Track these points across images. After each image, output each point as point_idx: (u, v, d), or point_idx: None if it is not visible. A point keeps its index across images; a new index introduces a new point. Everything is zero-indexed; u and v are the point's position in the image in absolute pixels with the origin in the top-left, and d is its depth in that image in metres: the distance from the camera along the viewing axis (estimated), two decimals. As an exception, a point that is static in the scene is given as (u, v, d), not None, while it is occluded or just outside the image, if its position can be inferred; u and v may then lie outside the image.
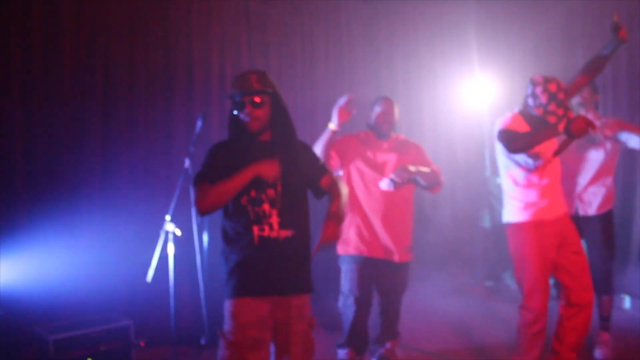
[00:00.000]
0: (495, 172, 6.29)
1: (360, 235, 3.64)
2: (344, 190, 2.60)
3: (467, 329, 4.84)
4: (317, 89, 5.87)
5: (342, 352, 3.74)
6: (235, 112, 2.47)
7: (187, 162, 3.68)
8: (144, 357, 4.06)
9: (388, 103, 3.76)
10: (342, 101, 3.46)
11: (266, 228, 2.40)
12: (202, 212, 2.38)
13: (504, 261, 6.26)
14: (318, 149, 3.49)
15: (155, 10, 4.78)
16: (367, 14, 6.30)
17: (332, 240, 2.42)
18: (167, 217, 3.60)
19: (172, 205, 3.59)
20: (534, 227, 3.39)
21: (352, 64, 6.20)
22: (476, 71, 6.30)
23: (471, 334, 4.68)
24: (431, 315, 5.30)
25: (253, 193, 2.41)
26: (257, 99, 2.42)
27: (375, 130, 3.75)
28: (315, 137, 3.69)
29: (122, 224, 4.43)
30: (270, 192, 2.43)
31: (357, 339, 3.68)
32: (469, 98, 6.43)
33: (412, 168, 3.52)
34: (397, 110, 3.80)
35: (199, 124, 3.67)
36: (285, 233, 2.42)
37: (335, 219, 2.45)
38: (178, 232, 3.62)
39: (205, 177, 2.40)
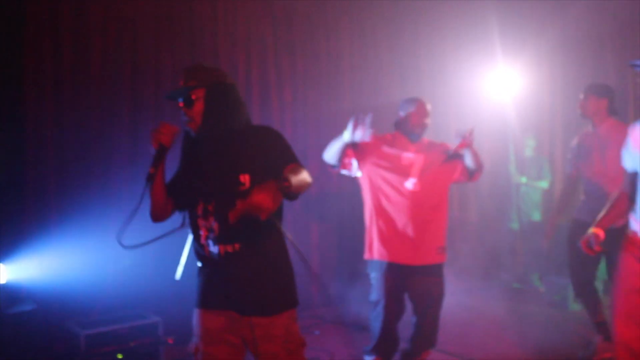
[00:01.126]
0: (521, 171, 6.24)
1: (385, 240, 3.42)
2: (306, 177, 2.11)
3: (493, 331, 4.79)
4: (343, 87, 5.87)
5: (369, 359, 3.57)
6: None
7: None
8: (172, 354, 4.09)
9: (422, 104, 3.52)
10: (356, 124, 3.20)
11: (210, 242, 2.21)
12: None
13: (532, 263, 6.20)
14: (333, 147, 3.33)
15: (181, 9, 4.84)
16: (392, 11, 6.28)
17: (253, 209, 1.88)
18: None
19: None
20: None
21: (377, 63, 6.18)
22: (501, 66, 6.21)
23: (498, 337, 4.64)
24: (457, 317, 5.25)
25: (201, 206, 2.23)
26: (186, 96, 2.19)
27: (406, 132, 3.53)
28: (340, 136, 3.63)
29: (151, 222, 4.47)
30: (210, 205, 2.20)
31: (385, 346, 3.49)
32: (494, 93, 6.36)
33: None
34: (429, 112, 3.59)
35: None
36: (226, 248, 2.18)
37: (269, 187, 1.90)
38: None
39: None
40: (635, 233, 2.63)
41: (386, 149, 3.50)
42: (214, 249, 2.20)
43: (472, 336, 4.66)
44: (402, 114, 3.57)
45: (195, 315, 2.27)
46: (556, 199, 6.18)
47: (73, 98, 4.33)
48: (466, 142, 3.33)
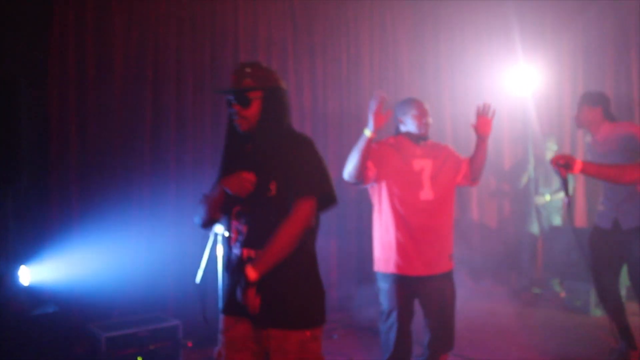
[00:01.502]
0: (544, 181, 6.17)
1: (398, 252, 3.32)
2: (294, 229, 2.07)
3: (513, 336, 4.74)
4: (363, 89, 5.86)
5: None
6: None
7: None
8: (191, 357, 4.11)
9: (421, 104, 3.41)
10: (374, 104, 3.06)
11: (238, 244, 2.19)
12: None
13: (552, 268, 6.13)
14: (353, 158, 3.20)
15: (202, 12, 4.86)
16: (412, 12, 6.26)
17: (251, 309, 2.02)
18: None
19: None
20: None
21: (398, 64, 6.17)
22: (521, 62, 6.10)
23: (518, 343, 4.59)
24: (475, 321, 5.22)
25: (238, 207, 2.19)
26: (244, 96, 2.15)
27: (412, 135, 3.41)
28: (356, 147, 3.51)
29: (172, 225, 4.52)
30: (243, 206, 2.18)
31: (401, 356, 3.38)
32: (514, 90, 6.31)
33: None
34: (429, 111, 3.46)
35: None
36: (249, 253, 2.14)
37: (252, 285, 2.01)
38: (227, 234, 3.65)
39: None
40: None
41: (397, 155, 3.40)
42: (237, 251, 2.17)
43: (491, 341, 4.61)
44: (401, 117, 3.45)
45: (221, 320, 2.24)
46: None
47: (96, 100, 4.39)
48: (485, 119, 3.30)
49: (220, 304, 2.31)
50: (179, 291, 4.44)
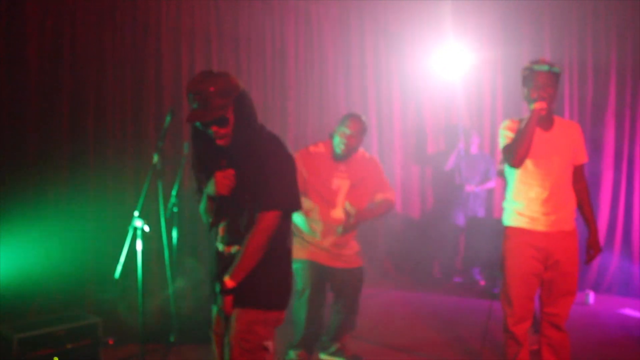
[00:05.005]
0: (468, 172, 6.37)
1: (310, 249, 3.61)
2: (259, 241, 2.21)
3: (434, 324, 4.90)
4: (288, 82, 5.90)
5: (293, 353, 3.68)
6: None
7: (155, 158, 3.63)
8: (112, 355, 4.02)
9: (357, 126, 3.53)
10: None
11: (218, 240, 2.38)
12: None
13: (473, 257, 6.37)
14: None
15: (124, 4, 4.71)
16: (337, 4, 6.33)
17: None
18: (136, 213, 3.55)
19: (141, 201, 3.55)
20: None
21: (323, 58, 6.25)
22: (447, 51, 6.25)
23: (438, 329, 4.75)
24: (397, 310, 5.36)
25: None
26: (221, 119, 2.17)
27: (335, 151, 3.56)
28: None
29: (90, 220, 4.38)
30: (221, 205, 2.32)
31: (310, 339, 3.65)
32: (439, 80, 6.48)
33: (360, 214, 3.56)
34: (365, 131, 3.60)
35: (167, 119, 3.63)
36: (230, 249, 2.31)
37: (229, 293, 2.22)
38: (147, 228, 3.58)
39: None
40: None
41: (319, 167, 3.56)
42: (219, 247, 2.35)
43: (411, 329, 4.74)
44: (336, 129, 3.58)
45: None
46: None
47: (11, 96, 4.14)
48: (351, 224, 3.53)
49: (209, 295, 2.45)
50: (98, 287, 4.31)
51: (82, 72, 4.48)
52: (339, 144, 3.51)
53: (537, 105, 2.99)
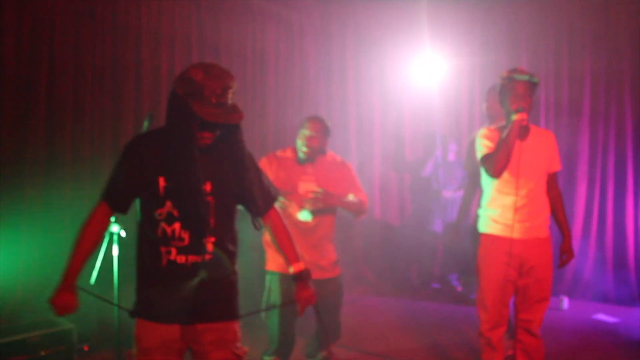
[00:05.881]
0: (446, 178, 6.42)
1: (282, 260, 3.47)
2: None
3: (412, 330, 4.93)
4: (268, 87, 5.91)
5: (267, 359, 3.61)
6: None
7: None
8: (87, 362, 3.98)
9: (315, 125, 3.46)
10: None
11: (173, 251, 2.13)
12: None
13: (451, 264, 6.42)
14: None
15: (103, 7, 4.68)
16: (318, 10, 6.36)
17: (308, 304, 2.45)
18: (112, 218, 3.52)
19: (118, 206, 3.52)
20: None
21: (304, 63, 6.27)
22: (426, 58, 6.31)
23: (417, 335, 4.77)
24: (376, 316, 5.38)
25: (168, 207, 2.12)
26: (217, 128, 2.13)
27: (298, 155, 3.51)
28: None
29: (65, 224, 4.32)
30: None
31: (284, 348, 3.56)
32: (418, 87, 6.52)
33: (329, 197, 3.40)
34: (327, 132, 3.50)
35: (145, 124, 3.61)
36: (195, 259, 2.14)
37: (305, 279, 2.45)
38: (123, 234, 3.56)
39: None
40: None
41: (284, 172, 3.47)
42: (177, 258, 2.14)
43: (389, 335, 4.77)
44: (298, 133, 3.51)
45: (142, 327, 2.21)
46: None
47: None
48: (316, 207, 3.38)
49: (144, 308, 2.22)
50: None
51: (60, 76, 4.43)
52: (301, 146, 3.46)
53: (518, 117, 3.01)
